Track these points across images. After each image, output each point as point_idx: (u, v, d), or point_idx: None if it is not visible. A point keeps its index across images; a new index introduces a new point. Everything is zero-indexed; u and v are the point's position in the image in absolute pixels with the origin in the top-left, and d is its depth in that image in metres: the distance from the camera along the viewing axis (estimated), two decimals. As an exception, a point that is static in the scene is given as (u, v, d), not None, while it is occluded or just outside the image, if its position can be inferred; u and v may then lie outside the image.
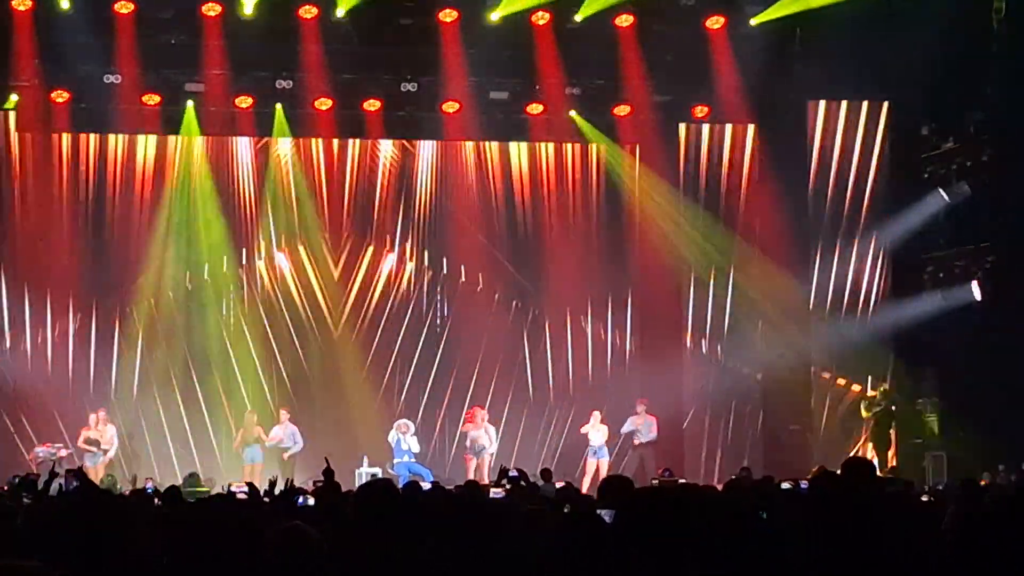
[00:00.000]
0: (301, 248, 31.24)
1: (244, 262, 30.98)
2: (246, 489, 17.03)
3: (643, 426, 29.77)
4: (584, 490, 22.68)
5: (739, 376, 31.39)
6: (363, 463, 28.27)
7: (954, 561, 7.99)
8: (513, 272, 31.60)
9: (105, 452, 28.25)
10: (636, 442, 29.80)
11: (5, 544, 8.55)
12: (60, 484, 16.70)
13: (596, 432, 29.66)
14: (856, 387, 31.16)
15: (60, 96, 29.27)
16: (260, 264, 31.09)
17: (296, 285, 31.17)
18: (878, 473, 27.40)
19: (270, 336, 30.64)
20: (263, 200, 31.05)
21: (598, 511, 8.12)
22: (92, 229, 30.22)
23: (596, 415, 29.78)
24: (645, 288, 31.43)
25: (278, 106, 29.86)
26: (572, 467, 29.20)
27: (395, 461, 28.68)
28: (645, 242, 31.61)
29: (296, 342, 30.97)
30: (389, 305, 31.32)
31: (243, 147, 31.08)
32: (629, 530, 6.34)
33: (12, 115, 29.61)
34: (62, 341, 29.77)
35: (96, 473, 27.00)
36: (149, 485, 22.61)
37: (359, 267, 31.24)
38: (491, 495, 15.11)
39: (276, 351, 30.66)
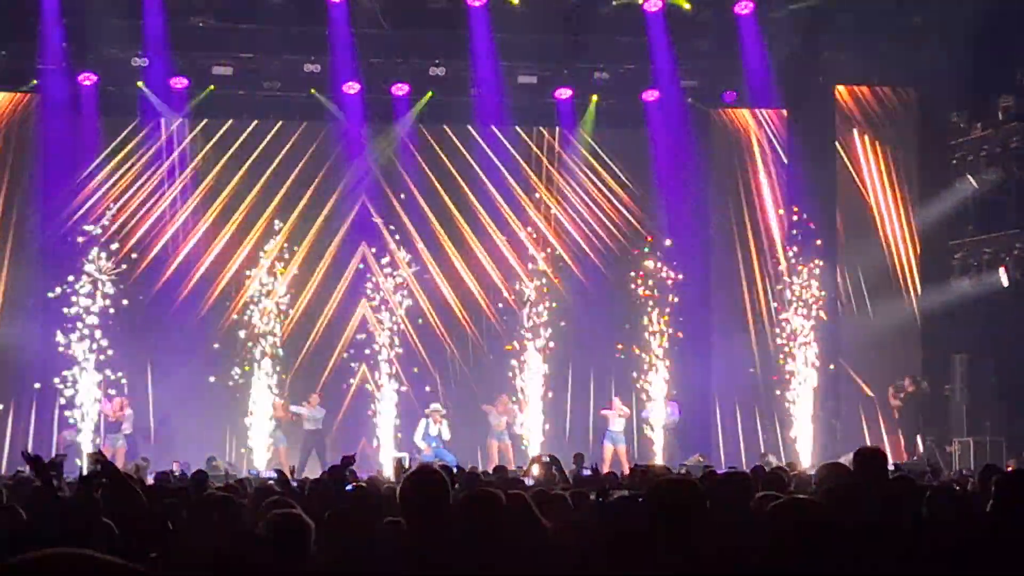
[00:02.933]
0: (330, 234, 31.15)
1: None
2: (275, 475, 17.02)
3: (666, 409, 30.05)
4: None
5: (765, 363, 31.24)
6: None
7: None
8: (536, 260, 31.38)
9: (125, 434, 28.27)
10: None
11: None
12: (80, 467, 16.62)
13: (616, 418, 29.67)
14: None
15: (87, 79, 29.28)
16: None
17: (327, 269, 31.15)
18: (903, 459, 27.56)
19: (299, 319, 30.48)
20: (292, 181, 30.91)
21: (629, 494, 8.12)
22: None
23: (617, 401, 29.78)
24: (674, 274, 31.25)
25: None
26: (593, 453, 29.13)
27: (422, 447, 28.73)
28: (673, 226, 31.52)
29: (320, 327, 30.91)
30: (416, 290, 31.07)
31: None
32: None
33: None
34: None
35: (113, 454, 27.20)
36: (177, 468, 22.61)
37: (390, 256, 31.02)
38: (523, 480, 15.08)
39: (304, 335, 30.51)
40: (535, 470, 16.10)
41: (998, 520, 8.40)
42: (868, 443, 26.43)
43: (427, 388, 30.26)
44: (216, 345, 29.84)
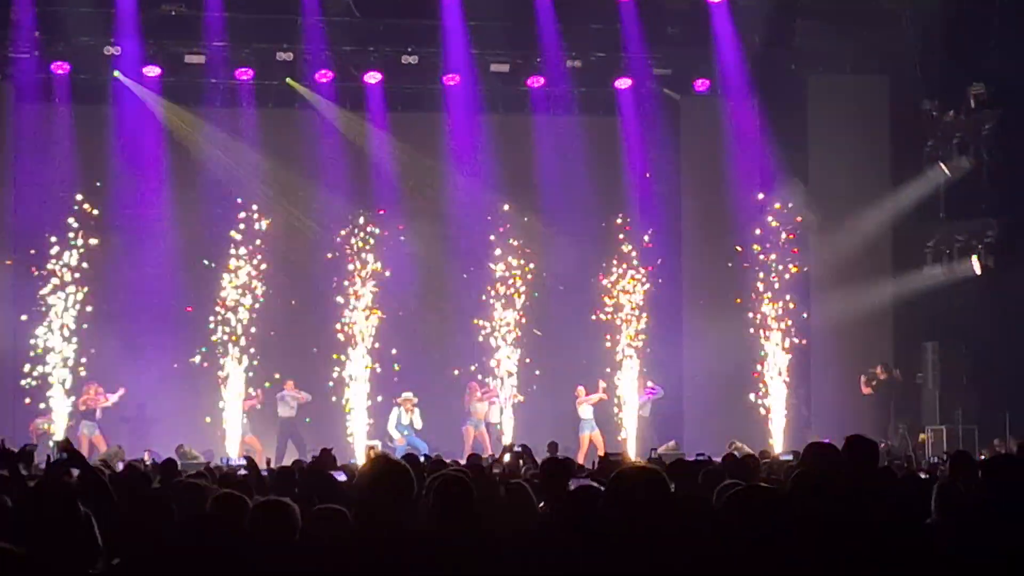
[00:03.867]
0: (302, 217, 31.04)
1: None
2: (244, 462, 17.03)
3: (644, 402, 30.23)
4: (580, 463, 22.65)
5: (737, 350, 31.26)
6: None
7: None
8: (514, 249, 31.28)
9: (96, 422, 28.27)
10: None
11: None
12: (48, 455, 16.57)
13: (584, 406, 29.68)
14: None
15: (60, 68, 29.19)
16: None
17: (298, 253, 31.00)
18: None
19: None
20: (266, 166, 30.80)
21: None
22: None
23: (581, 389, 29.75)
24: (645, 265, 31.24)
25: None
26: (570, 442, 29.11)
27: (395, 436, 28.71)
28: (645, 215, 31.53)
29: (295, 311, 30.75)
30: (389, 277, 30.89)
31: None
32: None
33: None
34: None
35: (88, 442, 27.25)
36: (148, 457, 22.54)
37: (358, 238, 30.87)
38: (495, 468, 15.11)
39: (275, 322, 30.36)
40: (506, 458, 16.12)
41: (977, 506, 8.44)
42: (841, 431, 26.47)
43: (396, 366, 30.13)
44: (189, 332, 29.74)
